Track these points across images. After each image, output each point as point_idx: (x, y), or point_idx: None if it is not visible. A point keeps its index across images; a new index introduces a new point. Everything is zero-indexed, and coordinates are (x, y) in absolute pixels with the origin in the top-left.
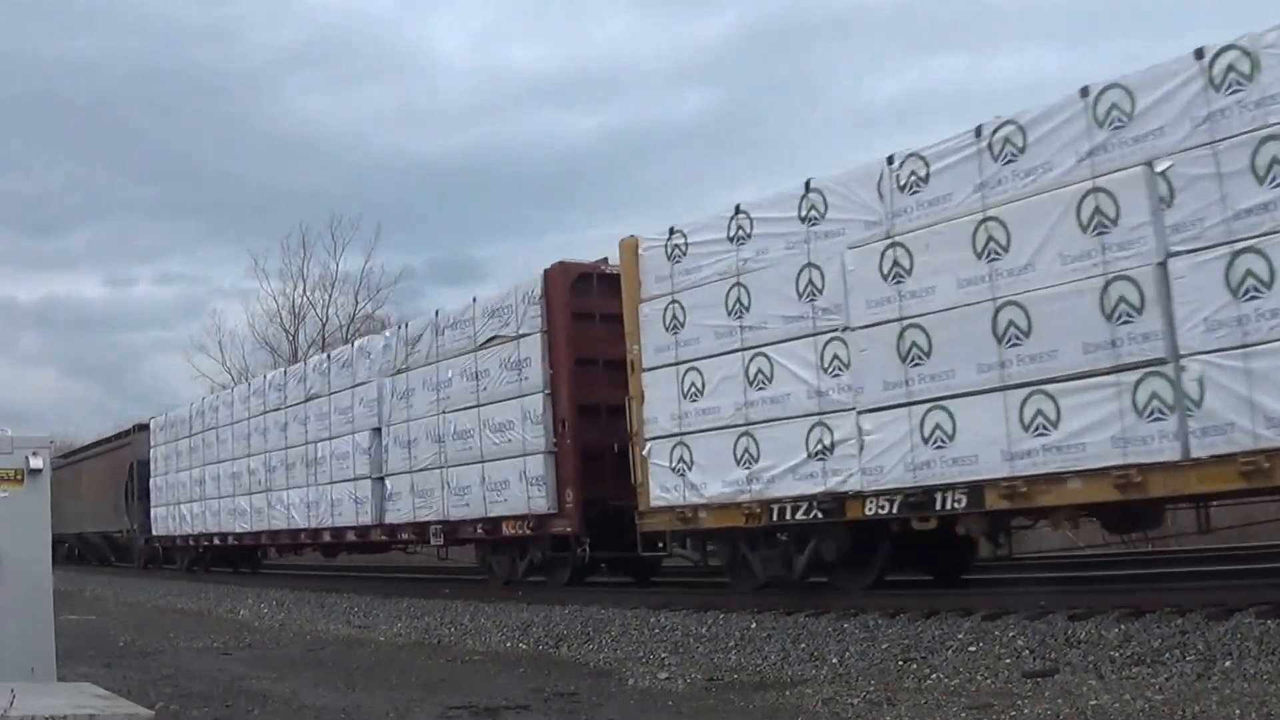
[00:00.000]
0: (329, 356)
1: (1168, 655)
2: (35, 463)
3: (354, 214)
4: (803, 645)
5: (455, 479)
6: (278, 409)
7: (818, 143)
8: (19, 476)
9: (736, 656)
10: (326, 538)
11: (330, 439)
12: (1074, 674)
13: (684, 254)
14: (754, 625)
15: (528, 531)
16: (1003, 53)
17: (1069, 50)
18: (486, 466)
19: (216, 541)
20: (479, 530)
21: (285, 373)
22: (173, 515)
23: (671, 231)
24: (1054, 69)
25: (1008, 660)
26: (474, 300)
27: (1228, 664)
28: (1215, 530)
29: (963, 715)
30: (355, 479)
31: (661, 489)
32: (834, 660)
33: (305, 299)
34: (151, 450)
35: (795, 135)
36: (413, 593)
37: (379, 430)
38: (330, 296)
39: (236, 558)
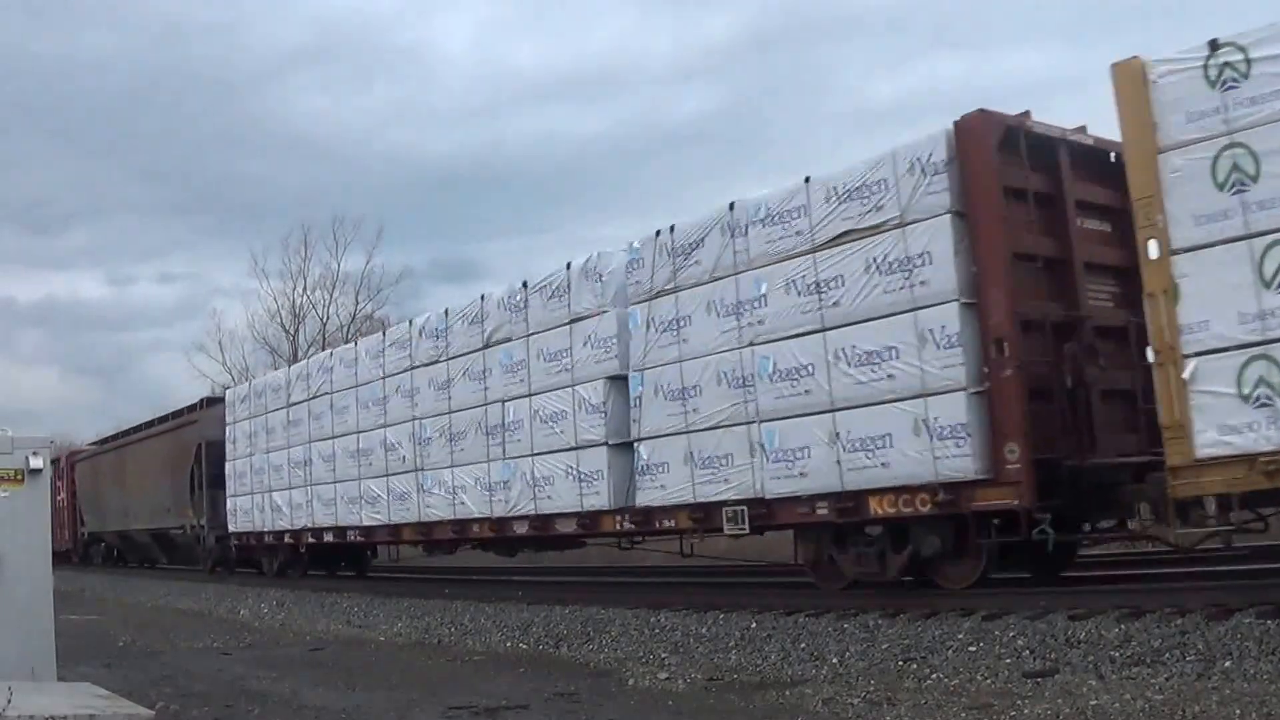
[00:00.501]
0: (525, 285)
1: (1168, 655)
2: (35, 463)
3: (356, 213)
4: (803, 645)
5: (776, 438)
6: (435, 362)
7: (820, 142)
8: (19, 476)
9: (737, 656)
10: (521, 530)
11: (530, 395)
12: (1074, 674)
13: (1244, 76)
14: (754, 625)
15: (925, 509)
16: (1003, 52)
17: (1069, 50)
18: (840, 417)
19: (329, 539)
20: (821, 510)
21: (446, 314)
22: (259, 507)
23: (1215, 46)
24: (1054, 68)
25: (1008, 660)
26: (806, 181)
27: (1228, 664)
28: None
29: (963, 715)
30: (578, 447)
31: (1220, 430)
32: (834, 660)
33: (306, 299)
34: (228, 428)
35: (798, 134)
36: (413, 593)
37: (621, 379)
38: (332, 296)
39: (341, 559)
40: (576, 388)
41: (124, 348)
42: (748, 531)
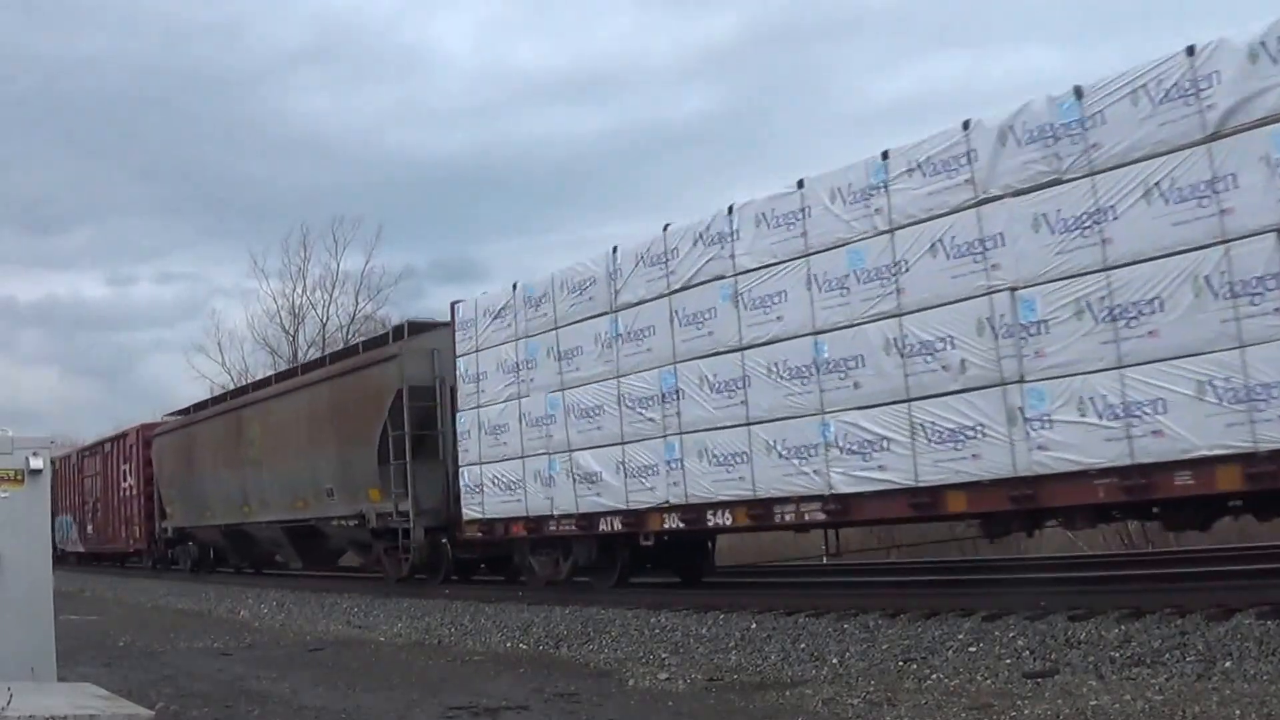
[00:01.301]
0: None
1: (1168, 656)
2: (35, 463)
3: (355, 213)
4: (803, 645)
5: None
6: (1058, 180)
7: (821, 141)
8: (19, 477)
9: (737, 657)
10: None
11: None
12: (1074, 674)
13: None
14: (754, 626)
15: None
16: (1003, 52)
17: (1069, 50)
18: None
19: (723, 520)
20: None
21: (1079, 98)
22: (540, 478)
23: None
24: (1054, 68)
25: (1008, 660)
26: None
27: (1228, 664)
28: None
29: (963, 715)
30: None
31: None
32: (834, 660)
33: (305, 299)
34: (460, 361)
35: (799, 134)
36: (413, 593)
37: None
38: (331, 296)
39: (649, 558)
40: None
41: (124, 348)
42: None
